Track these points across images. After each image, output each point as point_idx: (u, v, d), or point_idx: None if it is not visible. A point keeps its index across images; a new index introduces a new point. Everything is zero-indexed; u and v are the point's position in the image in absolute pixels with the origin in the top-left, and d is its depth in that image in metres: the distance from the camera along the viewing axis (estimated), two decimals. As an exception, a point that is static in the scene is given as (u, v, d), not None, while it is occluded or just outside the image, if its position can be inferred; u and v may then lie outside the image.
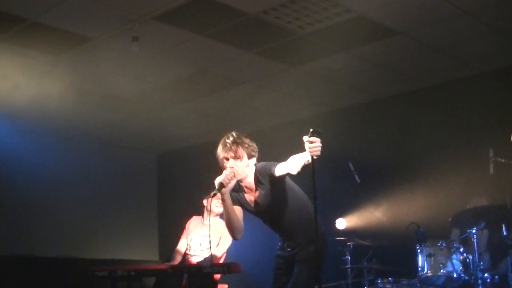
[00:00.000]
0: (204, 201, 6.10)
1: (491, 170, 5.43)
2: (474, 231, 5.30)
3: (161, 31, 5.80)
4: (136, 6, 5.34)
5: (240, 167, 4.07)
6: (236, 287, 7.03)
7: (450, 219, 5.86)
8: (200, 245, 5.96)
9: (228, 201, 4.05)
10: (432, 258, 5.35)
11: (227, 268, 5.11)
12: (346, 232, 6.93)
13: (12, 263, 7.79)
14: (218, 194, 3.96)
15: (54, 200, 9.01)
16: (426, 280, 5.43)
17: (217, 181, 3.97)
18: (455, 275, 5.29)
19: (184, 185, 9.43)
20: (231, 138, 4.10)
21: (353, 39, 6.02)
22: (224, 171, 4.05)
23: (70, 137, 9.28)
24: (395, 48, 6.29)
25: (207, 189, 7.68)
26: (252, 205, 4.20)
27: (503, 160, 5.44)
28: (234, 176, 4.04)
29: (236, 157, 4.06)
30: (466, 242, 5.42)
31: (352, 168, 6.67)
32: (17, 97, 7.32)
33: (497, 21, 5.72)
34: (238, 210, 4.16)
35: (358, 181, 6.65)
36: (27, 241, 8.54)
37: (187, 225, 6.14)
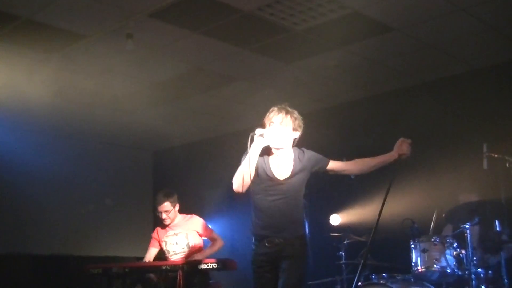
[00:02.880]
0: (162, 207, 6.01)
1: (485, 165, 5.43)
2: (467, 226, 5.32)
3: (156, 29, 5.81)
4: (131, 3, 5.34)
5: (282, 134, 4.16)
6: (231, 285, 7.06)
7: (444, 215, 5.87)
8: (177, 243, 5.95)
9: (256, 151, 4.07)
10: (426, 254, 5.36)
11: (223, 264, 5.10)
12: (340, 228, 6.95)
13: (7, 261, 7.80)
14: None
15: (49, 198, 9.00)
16: (420, 276, 5.43)
17: (259, 130, 4.06)
18: (449, 270, 5.30)
19: (179, 182, 9.44)
20: (283, 106, 4.27)
21: (348, 35, 6.03)
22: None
23: (64, 135, 9.27)
24: (390, 45, 6.31)
25: (202, 186, 7.65)
26: (272, 174, 4.20)
27: (496, 155, 5.44)
28: (276, 140, 4.12)
29: (282, 123, 4.18)
30: (460, 237, 5.43)
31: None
32: (11, 95, 7.32)
33: (491, 18, 5.73)
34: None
35: (353, 177, 6.65)
36: (21, 239, 8.54)
37: (153, 235, 6.11)
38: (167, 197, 5.94)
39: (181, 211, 6.10)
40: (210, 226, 6.10)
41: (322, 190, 6.83)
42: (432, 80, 7.26)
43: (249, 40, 6.16)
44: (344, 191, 7.23)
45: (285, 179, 4.20)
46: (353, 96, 7.84)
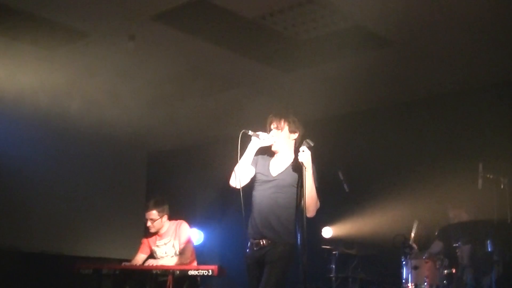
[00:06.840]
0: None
1: (480, 185, 5.45)
2: (458, 244, 5.33)
3: (158, 31, 5.80)
4: (135, 5, 5.35)
5: (281, 137, 4.41)
6: None
7: (436, 232, 5.88)
8: (166, 253, 5.93)
9: (251, 149, 4.36)
10: (416, 271, 5.37)
11: (213, 271, 5.09)
12: (332, 241, 6.94)
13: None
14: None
15: (41, 195, 8.92)
16: (410, 292, 5.45)
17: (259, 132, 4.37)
18: (439, 289, 5.32)
19: (173, 185, 9.42)
20: (280, 111, 4.52)
21: (349, 47, 6.04)
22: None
23: (59, 132, 9.20)
24: (390, 59, 6.31)
25: (195, 189, 7.62)
26: (268, 172, 4.41)
27: (491, 176, 5.46)
28: (271, 141, 4.39)
29: (278, 128, 4.43)
30: (451, 255, 5.44)
31: (342, 177, 6.68)
32: (10, 90, 7.30)
33: (493, 35, 5.73)
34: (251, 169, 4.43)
35: (347, 190, 6.66)
36: (12, 236, 8.46)
37: (144, 241, 6.09)
38: (156, 206, 5.91)
39: (172, 214, 6.06)
40: (191, 243, 5.98)
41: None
42: (430, 96, 7.26)
43: (250, 47, 6.16)
44: (337, 203, 7.22)
45: (278, 174, 4.38)
46: (351, 108, 7.84)
